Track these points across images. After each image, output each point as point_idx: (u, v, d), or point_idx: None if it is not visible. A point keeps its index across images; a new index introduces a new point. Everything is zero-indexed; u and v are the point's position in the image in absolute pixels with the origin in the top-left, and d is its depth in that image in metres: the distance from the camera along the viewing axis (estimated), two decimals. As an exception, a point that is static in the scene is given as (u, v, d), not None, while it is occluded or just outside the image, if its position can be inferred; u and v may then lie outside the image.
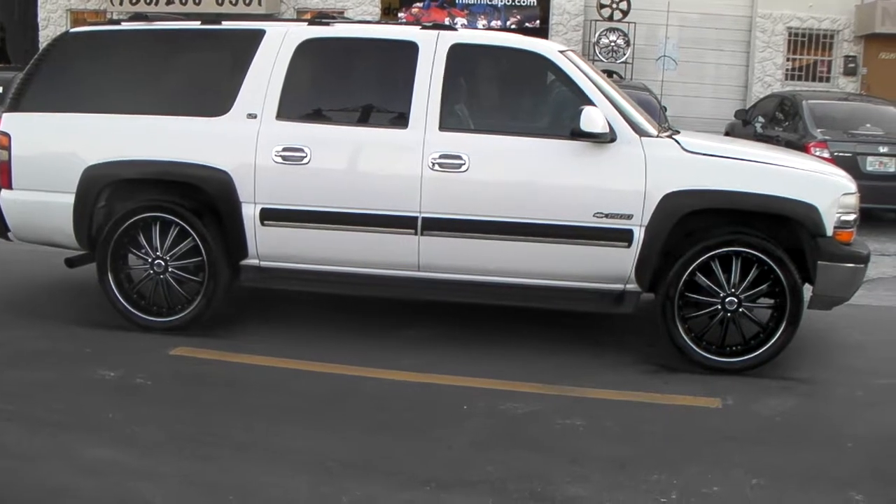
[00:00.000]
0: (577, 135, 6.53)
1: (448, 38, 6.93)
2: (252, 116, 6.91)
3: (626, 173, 6.58)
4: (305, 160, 6.81)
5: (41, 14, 23.99)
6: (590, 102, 6.61)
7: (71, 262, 7.51)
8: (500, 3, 22.71)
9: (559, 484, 4.82)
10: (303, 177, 6.83)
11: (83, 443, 5.14)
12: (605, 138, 6.54)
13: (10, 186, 7.31)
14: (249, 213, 6.90)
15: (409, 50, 6.89)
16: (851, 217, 6.65)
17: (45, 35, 23.08)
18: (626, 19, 22.10)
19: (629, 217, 6.55)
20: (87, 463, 4.91)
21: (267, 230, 6.92)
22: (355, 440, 5.31)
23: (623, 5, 22.10)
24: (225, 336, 7.07)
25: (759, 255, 6.49)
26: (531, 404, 5.91)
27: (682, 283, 6.56)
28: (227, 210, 6.93)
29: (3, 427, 5.32)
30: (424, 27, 7.18)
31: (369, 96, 7.26)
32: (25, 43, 24.97)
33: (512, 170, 6.76)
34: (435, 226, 6.73)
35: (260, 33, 7.12)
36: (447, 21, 21.32)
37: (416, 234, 6.74)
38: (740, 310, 6.56)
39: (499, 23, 22.60)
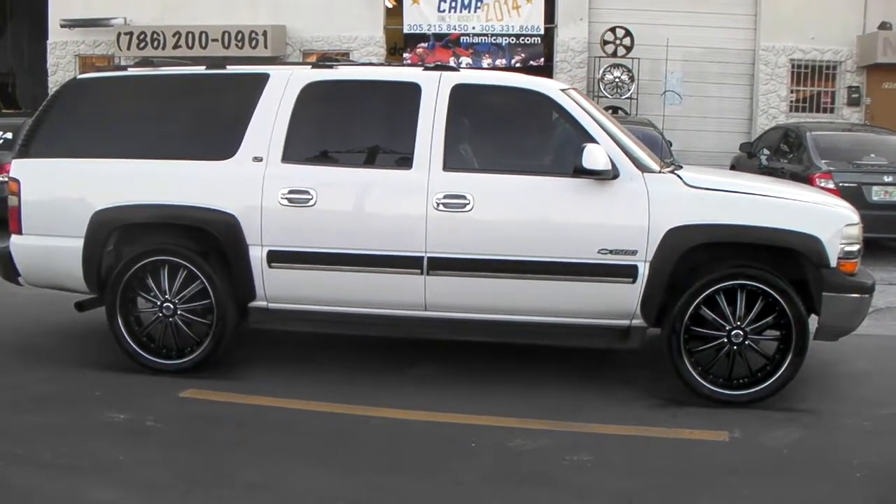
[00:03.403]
0: (580, 172, 6.59)
1: (450, 79, 7.00)
2: (258, 159, 6.97)
3: (629, 209, 6.62)
4: (311, 202, 6.87)
5: (50, 60, 24.17)
6: (592, 140, 6.67)
7: (81, 306, 7.57)
8: (504, 42, 22.82)
9: (567, 520, 4.85)
10: (309, 219, 6.89)
11: (92, 485, 5.17)
12: (608, 175, 6.59)
13: (20, 231, 7.39)
14: (257, 255, 6.95)
15: (411, 91, 6.96)
16: (855, 247, 6.68)
17: (54, 81, 23.24)
18: (630, 55, 22.19)
19: (633, 253, 6.59)
20: (97, 506, 4.94)
21: (274, 272, 6.97)
22: (364, 479, 5.33)
23: (626, 41, 22.20)
24: (234, 377, 7.11)
25: (764, 287, 6.51)
26: (539, 440, 5.93)
27: (687, 317, 6.59)
28: (234, 253, 6.98)
29: (12, 470, 5.34)
30: (427, 68, 7.26)
31: (373, 138, 7.32)
32: (35, 89, 25.19)
33: (516, 208, 6.81)
34: (441, 265, 6.77)
35: (264, 77, 7.21)
36: (452, 61, 21.45)
37: (421, 273, 6.79)
38: (746, 342, 6.58)
39: (503, 61, 22.70)
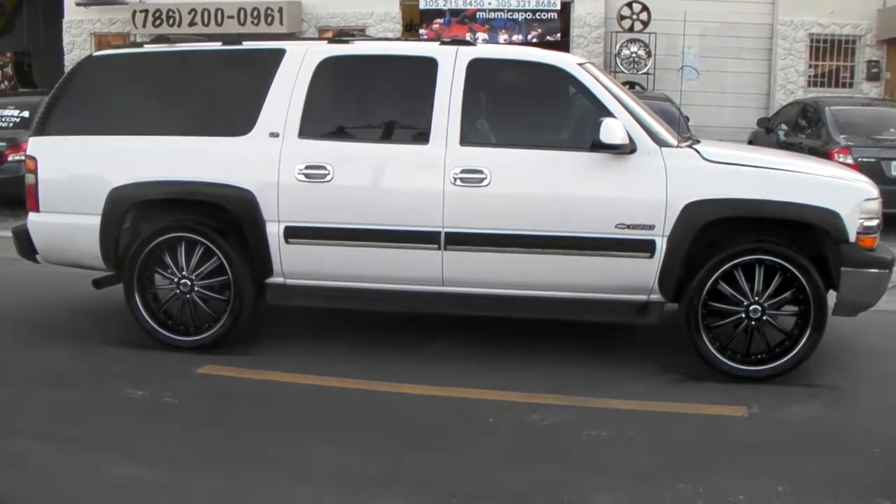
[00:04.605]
0: (598, 146, 6.55)
1: (467, 54, 6.97)
2: (274, 135, 6.96)
3: (646, 184, 6.59)
4: (328, 178, 6.86)
5: (66, 38, 24.21)
6: (609, 114, 6.63)
7: (98, 283, 7.58)
8: (520, 18, 22.72)
9: (585, 494, 4.85)
10: (326, 194, 6.88)
11: (111, 461, 5.19)
12: (625, 149, 6.56)
13: (37, 209, 7.40)
14: (274, 231, 6.95)
15: (428, 66, 6.93)
16: (874, 222, 6.63)
17: (71, 59, 23.26)
18: (647, 30, 22.07)
19: (651, 227, 6.56)
20: (115, 481, 4.96)
21: (291, 248, 6.96)
22: (381, 454, 5.34)
23: (643, 16, 22.07)
24: (252, 353, 7.12)
25: (782, 262, 6.48)
26: (556, 416, 5.92)
27: (705, 292, 6.56)
28: (251, 229, 6.98)
29: (32, 445, 5.37)
30: (443, 43, 7.23)
31: (390, 113, 7.32)
32: (51, 67, 25.22)
33: (533, 183, 6.79)
34: (458, 240, 6.76)
35: (280, 52, 7.18)
36: (468, 36, 21.36)
37: (439, 248, 6.78)
38: (764, 318, 6.55)
39: (520, 37, 22.61)
